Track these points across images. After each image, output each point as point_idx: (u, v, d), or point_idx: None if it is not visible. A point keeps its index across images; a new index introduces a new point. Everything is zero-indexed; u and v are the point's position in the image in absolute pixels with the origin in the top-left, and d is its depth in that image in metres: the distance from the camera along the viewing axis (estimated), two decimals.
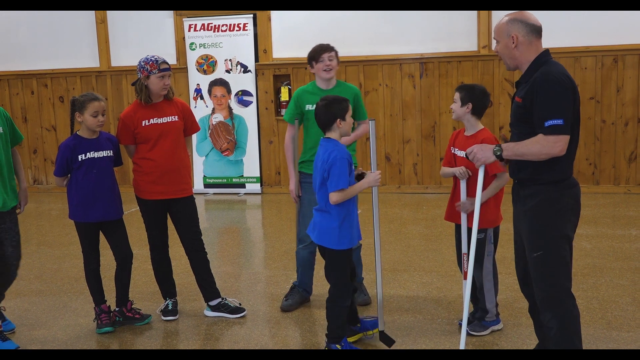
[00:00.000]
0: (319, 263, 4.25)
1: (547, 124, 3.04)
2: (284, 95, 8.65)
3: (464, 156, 3.76)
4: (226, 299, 4.66)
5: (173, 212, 4.53)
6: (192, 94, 8.95)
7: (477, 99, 4.00)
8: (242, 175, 8.95)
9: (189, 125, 4.59)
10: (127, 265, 4.47)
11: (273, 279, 5.38)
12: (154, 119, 4.39)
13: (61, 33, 9.30)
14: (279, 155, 8.77)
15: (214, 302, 4.62)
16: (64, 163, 4.27)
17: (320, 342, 4.15)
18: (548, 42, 3.31)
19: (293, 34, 8.58)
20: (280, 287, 5.12)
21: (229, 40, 8.75)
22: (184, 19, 8.83)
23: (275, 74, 8.71)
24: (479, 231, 3.80)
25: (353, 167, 3.82)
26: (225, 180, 9.00)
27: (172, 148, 4.43)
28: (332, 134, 3.80)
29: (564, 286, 3.19)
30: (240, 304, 4.70)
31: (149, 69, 4.30)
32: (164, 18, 8.99)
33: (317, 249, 4.09)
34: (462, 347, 3.61)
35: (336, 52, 4.56)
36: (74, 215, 4.36)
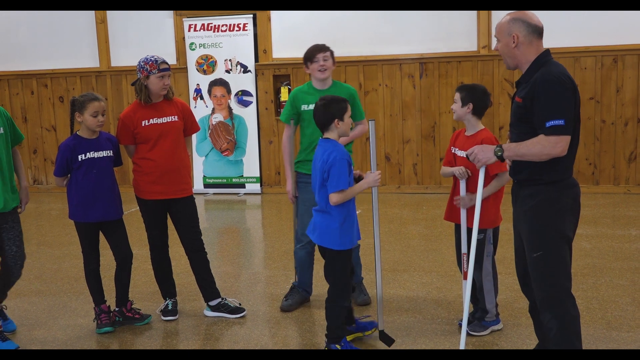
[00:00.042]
0: (319, 263, 4.25)
1: (548, 124, 3.04)
2: (284, 96, 8.64)
3: (464, 156, 3.76)
4: (226, 299, 4.66)
5: (173, 212, 4.53)
6: (192, 94, 8.95)
7: (477, 99, 4.00)
8: (242, 176, 8.95)
9: (188, 125, 4.59)
10: (127, 265, 4.47)
11: (273, 279, 5.38)
12: (154, 119, 4.39)
13: (61, 33, 9.29)
14: (278, 155, 8.76)
15: (213, 302, 4.62)
16: (63, 163, 4.27)
17: (320, 342, 4.15)
18: (548, 42, 3.30)
19: (293, 34, 8.57)
20: (280, 287, 5.12)
21: (228, 41, 8.75)
22: (183, 19, 8.83)
23: (275, 74, 8.72)
24: (479, 232, 3.80)
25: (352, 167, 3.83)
26: (225, 181, 9.00)
27: (172, 148, 4.43)
28: (331, 134, 3.80)
29: (564, 286, 3.19)
30: (240, 304, 4.70)
31: (149, 69, 4.30)
32: (164, 18, 8.99)
33: (317, 249, 4.09)
34: (462, 347, 3.61)
35: (331, 52, 4.54)
36: (74, 215, 4.36)
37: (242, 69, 8.77)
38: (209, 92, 8.90)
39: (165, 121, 4.41)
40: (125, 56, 9.10)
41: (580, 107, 3.22)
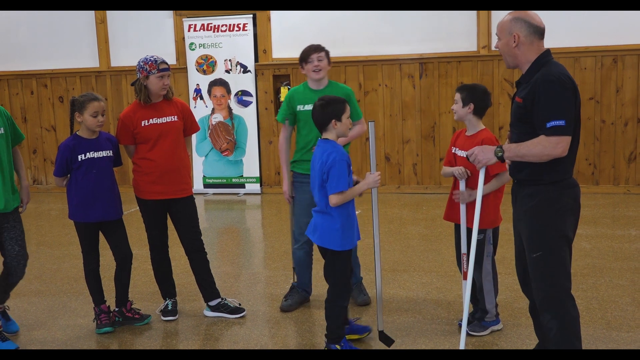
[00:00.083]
0: (319, 263, 4.24)
1: (548, 125, 3.03)
2: (284, 96, 8.63)
3: (465, 157, 3.76)
4: (226, 299, 4.66)
5: (173, 212, 4.53)
6: (191, 94, 8.95)
7: (478, 99, 4.00)
8: (242, 176, 8.95)
9: (188, 125, 4.59)
10: (127, 266, 4.47)
11: (273, 279, 5.38)
12: (154, 119, 4.38)
13: (61, 33, 9.29)
14: (278, 155, 8.75)
15: (213, 303, 4.62)
16: (63, 163, 4.27)
17: (320, 342, 4.15)
18: (548, 42, 3.29)
19: (293, 34, 8.57)
20: (279, 288, 5.12)
21: (228, 41, 8.75)
22: (183, 19, 8.83)
23: (274, 74, 8.72)
24: (479, 232, 3.80)
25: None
26: (224, 181, 9.00)
27: (172, 148, 4.43)
28: (329, 135, 3.80)
29: (564, 286, 3.18)
30: (239, 304, 4.70)
31: (148, 69, 4.30)
32: (164, 18, 8.99)
33: (315, 249, 4.09)
34: (461, 347, 3.61)
35: (326, 52, 4.53)
36: (74, 216, 4.36)
37: (242, 69, 8.77)
38: (209, 92, 8.90)
39: (165, 121, 4.41)
40: (125, 56, 9.10)
41: (580, 107, 3.22)
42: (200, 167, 8.99)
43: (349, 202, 3.76)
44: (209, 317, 4.61)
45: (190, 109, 4.74)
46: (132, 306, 4.55)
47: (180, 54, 8.99)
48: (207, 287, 4.63)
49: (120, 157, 4.49)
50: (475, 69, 8.16)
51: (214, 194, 8.99)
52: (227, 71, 8.82)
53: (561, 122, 3.02)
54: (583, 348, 3.38)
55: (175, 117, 4.46)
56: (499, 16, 7.54)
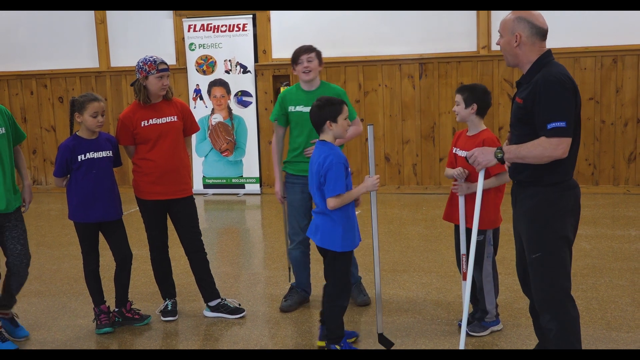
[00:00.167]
0: (318, 263, 4.24)
1: (549, 126, 3.02)
2: None
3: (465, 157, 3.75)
4: (226, 300, 4.66)
5: (173, 212, 4.53)
6: (191, 94, 8.95)
7: (480, 98, 4.00)
8: (242, 176, 8.95)
9: (188, 125, 4.59)
10: (127, 266, 4.47)
11: (272, 280, 5.38)
12: (153, 119, 4.38)
13: (61, 33, 9.29)
14: None
15: (213, 303, 4.62)
16: (63, 163, 4.27)
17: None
18: (548, 42, 3.28)
19: (292, 34, 8.57)
20: (279, 288, 5.12)
21: (228, 41, 8.75)
22: (183, 20, 8.83)
23: (274, 75, 8.71)
24: (479, 233, 3.80)
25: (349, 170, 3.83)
26: (224, 181, 9.00)
27: (172, 148, 4.43)
28: (325, 136, 3.79)
29: (563, 287, 3.18)
30: (239, 305, 4.70)
31: (148, 69, 4.30)
32: (164, 18, 8.99)
33: (312, 249, 4.09)
34: (461, 347, 3.61)
35: (317, 53, 4.50)
36: (74, 216, 4.36)
37: (242, 70, 8.76)
38: (209, 92, 8.90)
39: (165, 121, 4.41)
40: (124, 56, 9.10)
41: (581, 108, 3.21)
42: (200, 167, 8.99)
43: (348, 204, 3.76)
44: (208, 318, 4.61)
45: (190, 109, 4.74)
46: (132, 306, 4.54)
47: (180, 54, 8.99)
48: (207, 288, 4.63)
49: (120, 158, 4.48)
50: (475, 69, 8.16)
51: (213, 194, 8.99)
52: (227, 71, 8.82)
53: (562, 124, 3.01)
54: (583, 348, 3.38)
55: (175, 117, 4.46)
56: (499, 16, 7.54)
